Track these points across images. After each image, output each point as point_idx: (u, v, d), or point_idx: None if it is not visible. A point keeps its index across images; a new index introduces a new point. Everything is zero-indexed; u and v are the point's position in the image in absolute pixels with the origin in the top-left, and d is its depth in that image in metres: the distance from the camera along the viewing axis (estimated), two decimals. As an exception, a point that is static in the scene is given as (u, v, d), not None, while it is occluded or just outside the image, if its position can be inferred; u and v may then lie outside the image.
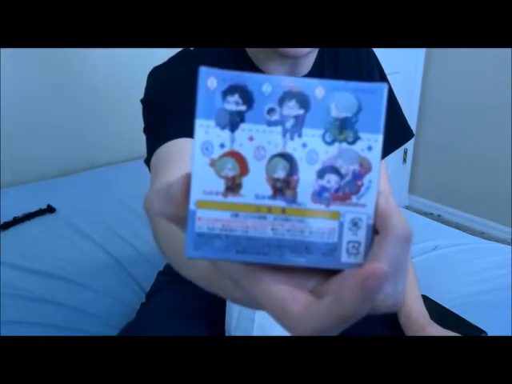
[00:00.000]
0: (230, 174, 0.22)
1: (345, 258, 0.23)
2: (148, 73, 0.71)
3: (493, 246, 1.27)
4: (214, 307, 0.75)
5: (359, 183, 0.23)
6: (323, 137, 0.23)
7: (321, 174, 0.23)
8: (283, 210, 0.23)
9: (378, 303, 0.22)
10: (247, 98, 0.22)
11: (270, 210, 0.23)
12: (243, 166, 0.23)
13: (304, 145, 0.23)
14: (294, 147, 0.23)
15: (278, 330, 0.73)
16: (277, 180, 0.23)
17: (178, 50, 0.73)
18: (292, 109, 0.23)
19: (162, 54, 0.76)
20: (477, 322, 0.85)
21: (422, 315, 0.77)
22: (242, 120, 0.23)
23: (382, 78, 0.84)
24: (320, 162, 0.23)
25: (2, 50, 1.45)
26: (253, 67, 0.71)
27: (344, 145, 0.23)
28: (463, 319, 0.86)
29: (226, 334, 0.73)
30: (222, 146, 0.22)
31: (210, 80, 0.22)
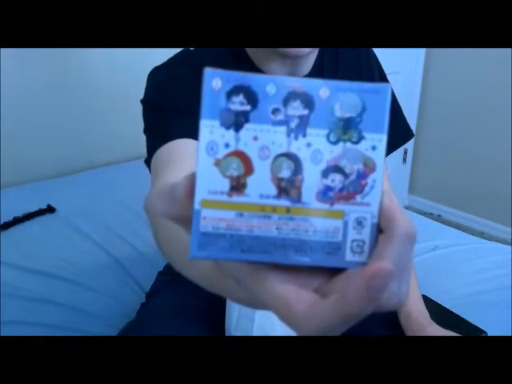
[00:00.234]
0: (235, 173, 0.23)
1: (349, 256, 0.23)
2: (148, 73, 0.71)
3: (493, 246, 1.27)
4: (214, 307, 0.75)
5: (363, 182, 0.23)
6: (327, 137, 0.23)
7: (325, 173, 0.23)
8: (288, 210, 0.23)
9: (382, 302, 0.22)
10: (252, 98, 0.23)
11: (274, 209, 0.23)
12: (248, 166, 0.23)
13: (308, 144, 0.23)
14: (298, 147, 0.23)
15: (278, 330, 0.73)
16: (281, 180, 0.23)
17: (178, 50, 0.73)
18: (296, 109, 0.23)
19: (162, 54, 0.76)
20: (477, 322, 0.85)
21: (423, 315, 0.77)
22: (247, 120, 0.23)
23: (382, 77, 0.84)
24: (324, 161, 0.23)
25: (2, 50, 1.45)
26: (253, 67, 0.71)
27: (348, 144, 0.23)
28: (463, 319, 0.86)
29: (226, 334, 0.73)
30: (227, 145, 0.23)
31: (215, 81, 0.22)
